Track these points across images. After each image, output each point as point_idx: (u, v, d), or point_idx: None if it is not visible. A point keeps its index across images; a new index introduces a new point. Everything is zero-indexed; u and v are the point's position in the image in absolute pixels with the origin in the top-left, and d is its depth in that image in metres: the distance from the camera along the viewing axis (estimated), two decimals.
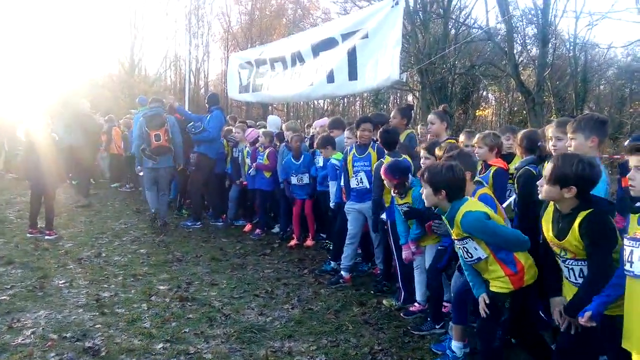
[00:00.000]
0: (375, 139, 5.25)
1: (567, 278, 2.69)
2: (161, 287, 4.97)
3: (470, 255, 2.99)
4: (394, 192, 4.31)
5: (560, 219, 2.62)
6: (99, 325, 3.99)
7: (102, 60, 44.72)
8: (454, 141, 4.74)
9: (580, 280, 2.59)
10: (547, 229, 2.70)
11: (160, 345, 3.67)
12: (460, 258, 3.19)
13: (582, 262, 2.57)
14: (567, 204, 2.57)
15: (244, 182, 7.59)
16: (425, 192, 3.04)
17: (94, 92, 24.09)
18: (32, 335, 3.75)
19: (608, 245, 2.45)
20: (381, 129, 4.90)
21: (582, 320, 2.40)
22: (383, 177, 4.30)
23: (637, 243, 2.17)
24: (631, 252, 2.20)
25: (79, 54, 35.09)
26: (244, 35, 33.48)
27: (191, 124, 7.89)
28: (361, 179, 5.17)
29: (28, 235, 6.70)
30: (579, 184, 2.48)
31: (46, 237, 6.67)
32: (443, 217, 3.10)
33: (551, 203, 2.71)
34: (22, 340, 3.67)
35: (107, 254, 6.12)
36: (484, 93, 27.41)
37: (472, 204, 2.98)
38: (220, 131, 8.07)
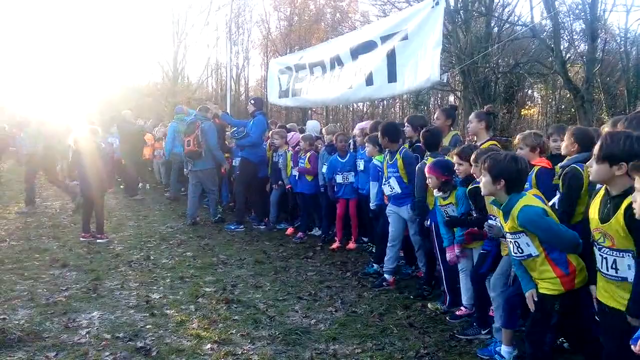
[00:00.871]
0: (403, 144, 5.28)
1: (599, 269, 2.58)
2: (207, 289, 5.07)
3: (521, 251, 2.92)
4: (438, 192, 4.24)
5: (609, 201, 2.49)
6: (149, 325, 4.12)
7: (147, 69, 46.33)
8: (496, 143, 4.62)
9: (611, 272, 2.48)
10: (594, 212, 2.58)
11: (209, 346, 3.74)
12: (509, 253, 3.11)
13: (617, 253, 2.43)
14: (619, 184, 2.44)
15: (288, 186, 7.66)
16: (484, 180, 2.98)
17: (139, 101, 24.96)
18: (87, 335, 3.90)
19: None
20: (424, 129, 4.85)
21: (636, 349, 2.18)
22: (429, 174, 4.24)
23: None
24: None
25: (125, 64, 36.52)
26: (283, 41, 33.85)
27: (234, 129, 8.11)
28: (392, 184, 5.17)
29: (81, 239, 6.99)
30: (628, 160, 2.35)
31: (97, 240, 6.94)
32: (497, 209, 3.01)
33: (602, 189, 2.59)
34: (78, 339, 3.82)
35: (155, 256, 6.31)
36: (529, 91, 26.64)
37: (530, 199, 2.91)
38: (263, 136, 8.21)
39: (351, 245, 6.81)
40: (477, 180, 3.57)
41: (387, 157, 5.32)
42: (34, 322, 4.10)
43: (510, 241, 2.97)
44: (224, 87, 26.48)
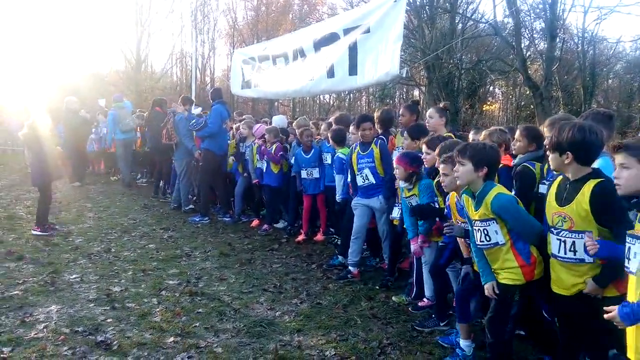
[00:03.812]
0: (377, 135, 5.32)
1: (554, 254, 2.73)
2: (171, 282, 5.01)
3: (488, 239, 3.01)
4: (404, 183, 4.31)
5: (568, 186, 2.67)
6: (110, 319, 4.04)
7: (108, 55, 44.95)
8: (453, 136, 4.73)
9: (570, 255, 2.64)
10: (551, 198, 2.76)
11: (171, 339, 3.71)
12: (472, 244, 3.20)
13: (576, 235, 2.60)
14: (574, 171, 2.63)
15: (255, 180, 7.62)
16: (463, 168, 3.03)
17: (100, 88, 24.24)
18: (44, 330, 3.79)
19: (625, 215, 2.43)
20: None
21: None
22: (397, 164, 4.33)
23: (635, 240, 2.16)
24: (629, 248, 2.20)
25: (86, 50, 35.31)
26: (250, 31, 33.47)
27: (193, 121, 8.03)
28: (366, 175, 5.21)
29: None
30: (572, 148, 2.58)
31: (33, 232, 6.64)
32: (467, 197, 3.10)
33: (558, 178, 2.79)
34: (35, 334, 3.72)
35: (116, 249, 6.18)
36: (491, 88, 27.28)
37: (503, 189, 3.05)
38: (223, 125, 8.12)
39: (319, 237, 6.85)
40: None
41: (358, 148, 5.34)
42: None
43: (478, 229, 3.05)
44: (189, 76, 25.99)
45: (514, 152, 3.94)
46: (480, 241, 3.07)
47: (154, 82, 31.50)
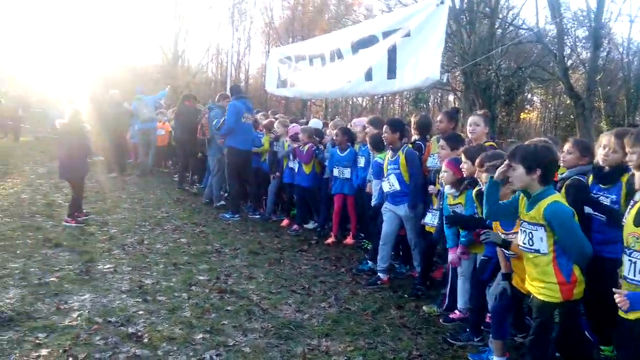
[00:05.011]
0: (405, 142, 5.32)
1: (625, 277, 2.58)
2: (201, 278, 5.05)
3: (531, 243, 2.90)
4: (450, 188, 4.21)
5: None
6: (141, 311, 4.09)
7: (147, 51, 45.98)
8: (494, 144, 4.61)
9: (638, 277, 2.49)
10: (629, 220, 2.60)
11: (200, 335, 3.73)
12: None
13: None
14: None
15: (273, 176, 7.76)
16: (517, 172, 2.90)
17: (136, 81, 24.79)
18: (78, 318, 3.87)
19: None
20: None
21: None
22: (446, 167, 4.23)
23: None
24: None
25: (125, 44, 36.21)
26: (286, 30, 33.66)
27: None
28: (392, 181, 5.16)
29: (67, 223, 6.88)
30: None
31: (64, 223, 6.74)
32: (523, 195, 2.97)
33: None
34: (69, 322, 3.79)
35: (149, 241, 6.27)
36: (529, 96, 26.69)
37: (561, 198, 2.92)
38: (241, 120, 8.07)
39: (349, 240, 6.80)
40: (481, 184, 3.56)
41: (389, 154, 5.31)
42: (26, 302, 4.06)
43: (524, 230, 2.94)
44: (224, 72, 26.33)
45: (562, 164, 3.75)
46: (523, 243, 2.95)
47: (190, 77, 32.04)
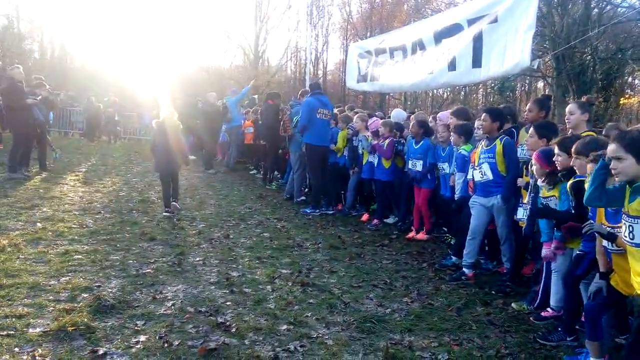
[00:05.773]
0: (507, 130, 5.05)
1: None
2: (283, 271, 5.17)
3: (631, 237, 2.67)
4: (542, 182, 4.00)
5: None
6: (229, 302, 4.26)
7: (229, 52, 47.93)
8: (594, 134, 4.26)
9: None
10: None
11: (285, 326, 3.82)
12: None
13: None
14: None
15: (355, 169, 7.80)
16: (625, 163, 2.65)
17: (222, 83, 25.91)
18: (172, 307, 4.10)
19: None
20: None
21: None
22: (534, 161, 4.05)
23: None
24: None
25: (208, 46, 37.93)
26: (364, 24, 33.49)
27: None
28: (484, 170, 4.94)
29: (164, 214, 7.38)
30: None
31: (164, 213, 7.38)
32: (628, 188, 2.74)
33: None
34: (164, 311, 4.03)
35: (234, 236, 6.53)
36: (630, 79, 24.48)
37: None
38: (315, 115, 8.10)
39: (421, 235, 6.66)
40: (579, 174, 3.32)
41: (483, 143, 5.11)
42: (126, 291, 4.38)
43: (625, 223, 2.71)
44: (303, 70, 26.75)
45: None
46: (625, 236, 2.72)
47: (269, 76, 32.92)
